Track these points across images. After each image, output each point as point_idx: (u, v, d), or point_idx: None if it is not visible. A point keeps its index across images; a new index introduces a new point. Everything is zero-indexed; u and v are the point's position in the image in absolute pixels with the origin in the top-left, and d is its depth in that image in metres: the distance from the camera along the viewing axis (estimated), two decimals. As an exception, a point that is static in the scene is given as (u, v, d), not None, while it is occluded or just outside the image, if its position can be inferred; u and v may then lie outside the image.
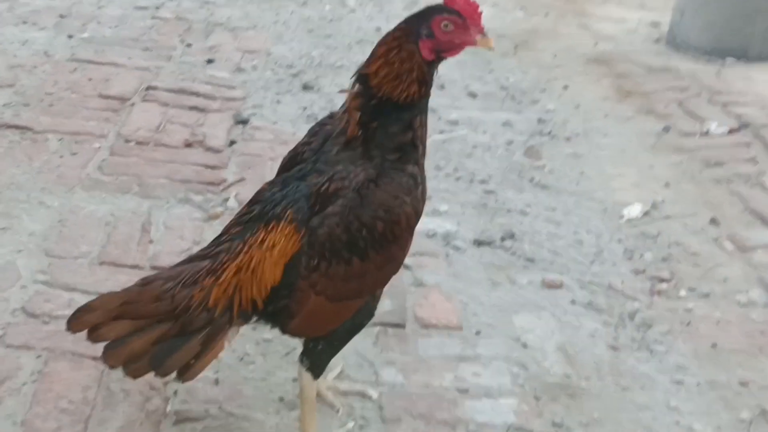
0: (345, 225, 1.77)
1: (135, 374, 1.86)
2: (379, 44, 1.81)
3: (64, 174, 3.06)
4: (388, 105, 1.78)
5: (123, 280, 2.50)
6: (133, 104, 3.66)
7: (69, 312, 2.31)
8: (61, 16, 4.63)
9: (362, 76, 1.81)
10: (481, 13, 1.78)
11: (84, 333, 1.87)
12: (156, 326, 1.83)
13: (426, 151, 1.90)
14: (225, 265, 1.82)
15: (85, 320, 1.85)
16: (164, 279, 1.86)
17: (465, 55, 3.99)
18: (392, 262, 1.87)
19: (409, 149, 1.82)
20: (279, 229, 1.80)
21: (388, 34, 1.81)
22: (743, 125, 3.86)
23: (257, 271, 1.80)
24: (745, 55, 4.75)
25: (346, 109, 1.84)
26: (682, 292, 2.73)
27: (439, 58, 1.80)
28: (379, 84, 1.78)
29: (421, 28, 1.76)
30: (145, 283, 1.88)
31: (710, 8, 4.75)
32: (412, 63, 1.77)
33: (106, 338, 1.85)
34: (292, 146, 2.00)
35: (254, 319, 1.89)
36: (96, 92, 3.73)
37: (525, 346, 2.44)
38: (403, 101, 1.78)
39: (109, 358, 1.84)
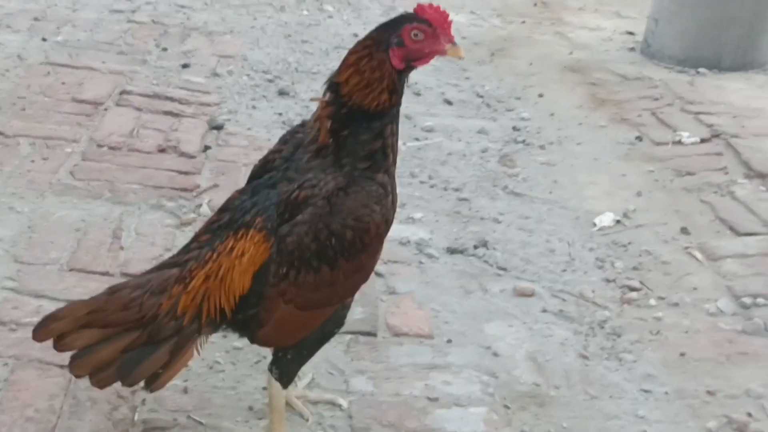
0: (314, 233, 1.77)
1: (102, 384, 1.85)
2: (350, 52, 1.82)
3: (34, 179, 3.04)
4: (358, 113, 1.79)
5: (92, 287, 2.48)
6: (106, 109, 3.64)
7: (37, 319, 2.29)
8: (36, 19, 4.60)
9: (333, 85, 1.81)
10: (451, 23, 1.79)
11: (51, 342, 1.85)
12: (124, 335, 1.82)
13: (397, 159, 1.91)
14: (193, 273, 1.81)
15: (51, 329, 1.83)
16: (132, 287, 1.85)
17: (440, 62, 4.00)
18: (361, 271, 1.87)
19: (379, 158, 1.83)
20: (248, 237, 1.80)
21: (359, 43, 1.82)
22: (715, 135, 3.90)
23: (226, 279, 1.80)
24: (718, 64, 4.80)
25: (317, 117, 1.84)
26: (652, 301, 2.75)
27: (410, 67, 1.81)
28: (350, 92, 1.78)
29: (391, 37, 1.77)
30: (112, 291, 1.87)
31: (684, 18, 4.80)
32: (382, 71, 1.77)
33: (73, 347, 1.83)
34: (271, 148, 2.00)
35: (223, 327, 1.88)
36: (69, 96, 3.70)
37: (496, 354, 2.45)
38: (373, 110, 1.78)
39: (75, 367, 1.83)
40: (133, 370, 1.82)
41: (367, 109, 1.78)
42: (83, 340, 1.82)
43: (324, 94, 1.83)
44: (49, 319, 1.85)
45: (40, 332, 1.84)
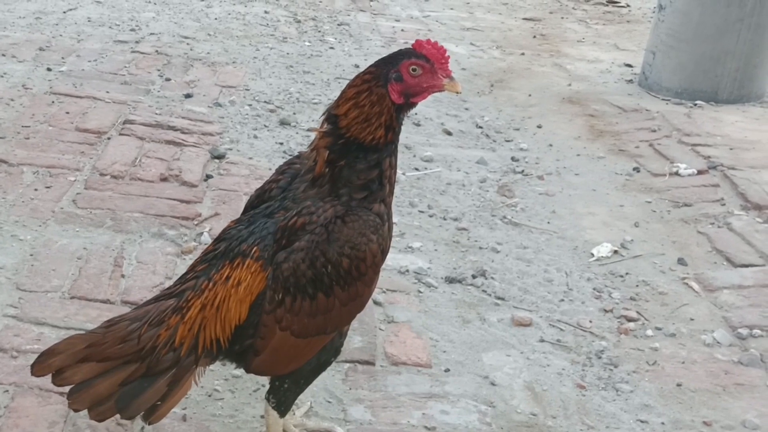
0: (310, 260, 1.79)
1: (101, 417, 1.84)
2: (349, 86, 1.85)
3: (37, 207, 3.07)
4: (355, 145, 1.82)
5: (93, 315, 2.51)
6: (109, 138, 3.68)
7: (38, 347, 2.32)
8: (41, 49, 4.66)
9: (332, 116, 1.84)
10: (448, 58, 1.83)
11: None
12: (122, 368, 1.81)
13: (394, 189, 1.93)
14: (190, 303, 1.82)
15: (49, 364, 1.82)
16: (130, 320, 1.85)
17: (440, 94, 4.07)
18: (357, 299, 1.89)
19: (376, 188, 1.85)
20: (245, 266, 1.81)
21: (358, 77, 1.86)
22: (712, 166, 3.94)
23: (222, 308, 1.81)
24: (714, 96, 4.86)
25: (314, 146, 1.87)
26: (649, 332, 2.77)
27: (408, 104, 1.85)
28: (348, 125, 1.82)
29: (390, 72, 1.81)
30: (110, 324, 1.87)
31: (681, 50, 4.87)
32: (381, 106, 1.81)
33: (72, 381, 1.82)
34: (268, 178, 2.03)
35: (220, 357, 1.89)
36: (73, 125, 3.75)
37: (493, 384, 2.46)
38: (368, 143, 1.81)
39: (74, 401, 1.82)
40: (132, 402, 1.82)
41: (363, 142, 1.81)
42: (82, 374, 1.82)
43: (322, 125, 1.87)
44: (47, 354, 1.84)
45: (38, 367, 1.83)
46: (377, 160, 1.83)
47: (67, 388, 1.86)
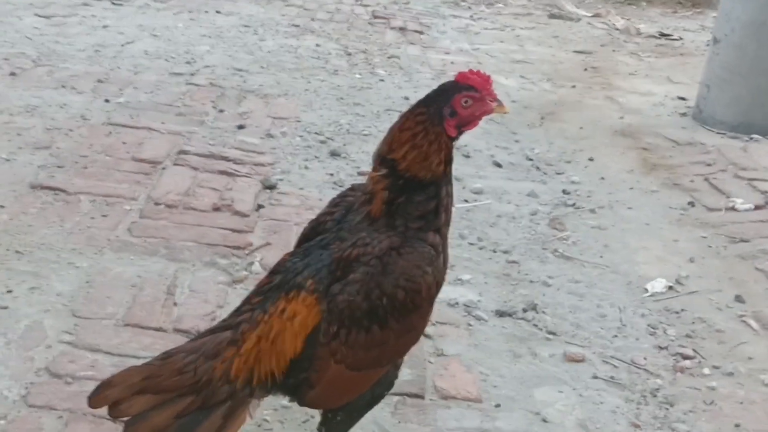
0: (366, 292, 1.78)
1: None
2: (401, 129, 1.85)
3: (94, 235, 3.12)
4: (414, 183, 1.83)
5: (146, 342, 2.54)
6: (164, 168, 3.75)
7: (92, 373, 2.36)
8: (99, 81, 4.78)
9: (389, 161, 1.85)
10: (492, 82, 1.86)
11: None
12: (178, 400, 1.80)
13: (450, 220, 1.93)
14: (245, 336, 1.82)
15: (106, 395, 1.81)
16: (186, 352, 1.85)
17: (490, 125, 4.04)
18: (412, 332, 1.88)
19: (431, 218, 1.86)
20: (300, 299, 1.82)
21: (409, 119, 1.85)
22: (769, 201, 3.86)
23: (277, 342, 1.80)
24: (771, 131, 4.77)
25: (371, 190, 1.87)
26: (706, 370, 2.70)
27: (460, 133, 1.86)
28: (408, 167, 1.83)
29: (443, 109, 1.83)
30: (166, 356, 1.86)
31: (736, 84, 4.80)
32: (440, 144, 1.83)
33: (128, 414, 1.81)
34: (318, 212, 2.04)
35: (274, 390, 1.88)
36: (129, 155, 3.82)
37: (545, 420, 2.42)
38: (429, 180, 1.83)
39: None
40: None
41: (424, 180, 1.83)
42: (138, 406, 1.80)
43: (375, 168, 1.86)
44: (103, 386, 1.83)
45: (95, 399, 1.82)
46: (435, 192, 1.84)
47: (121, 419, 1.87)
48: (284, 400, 2.29)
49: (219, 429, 1.81)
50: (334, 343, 1.81)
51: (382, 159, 1.86)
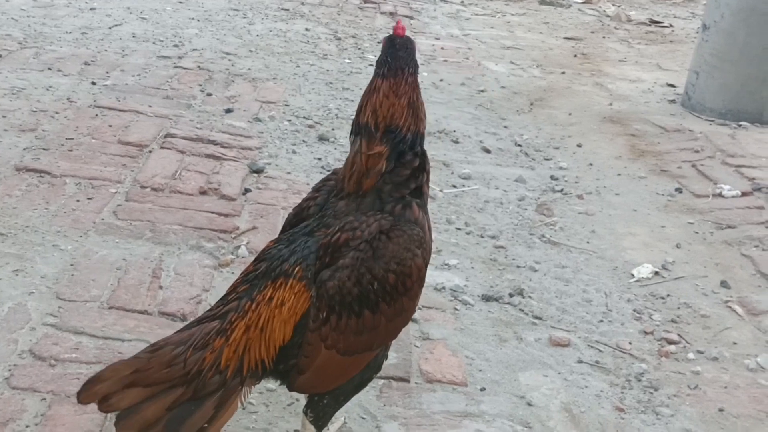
0: (356, 278, 1.78)
1: None
2: (398, 95, 1.84)
3: (79, 218, 3.11)
4: (411, 141, 1.85)
5: (131, 325, 2.53)
6: (151, 151, 3.73)
7: (76, 356, 2.35)
8: (86, 64, 4.74)
9: (392, 130, 1.84)
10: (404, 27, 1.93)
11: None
12: (168, 392, 1.78)
13: (430, 179, 1.94)
14: (234, 325, 1.81)
15: (95, 391, 1.78)
16: (174, 344, 1.82)
17: (480, 111, 4.04)
18: (403, 314, 1.87)
19: (418, 174, 1.87)
20: (288, 287, 1.80)
21: (399, 84, 1.85)
22: (756, 188, 3.87)
23: (266, 329, 1.79)
24: (759, 118, 4.79)
25: (363, 167, 1.85)
26: (691, 355, 2.71)
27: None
28: (409, 127, 1.85)
29: (409, 67, 1.86)
30: (154, 349, 1.83)
31: (725, 71, 4.80)
32: (418, 91, 1.87)
33: (118, 407, 1.79)
34: (305, 196, 2.03)
35: (265, 377, 1.87)
36: (115, 138, 3.80)
37: (530, 404, 2.43)
38: (423, 131, 1.87)
39: (122, 427, 1.78)
40: (180, 426, 1.78)
41: (423, 132, 1.86)
42: (128, 399, 1.78)
43: (375, 144, 1.84)
44: (92, 382, 1.80)
45: (84, 395, 1.79)
46: (420, 145, 1.86)
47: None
48: (270, 384, 2.30)
49: (211, 419, 1.79)
50: (324, 328, 1.80)
51: (384, 131, 1.84)
